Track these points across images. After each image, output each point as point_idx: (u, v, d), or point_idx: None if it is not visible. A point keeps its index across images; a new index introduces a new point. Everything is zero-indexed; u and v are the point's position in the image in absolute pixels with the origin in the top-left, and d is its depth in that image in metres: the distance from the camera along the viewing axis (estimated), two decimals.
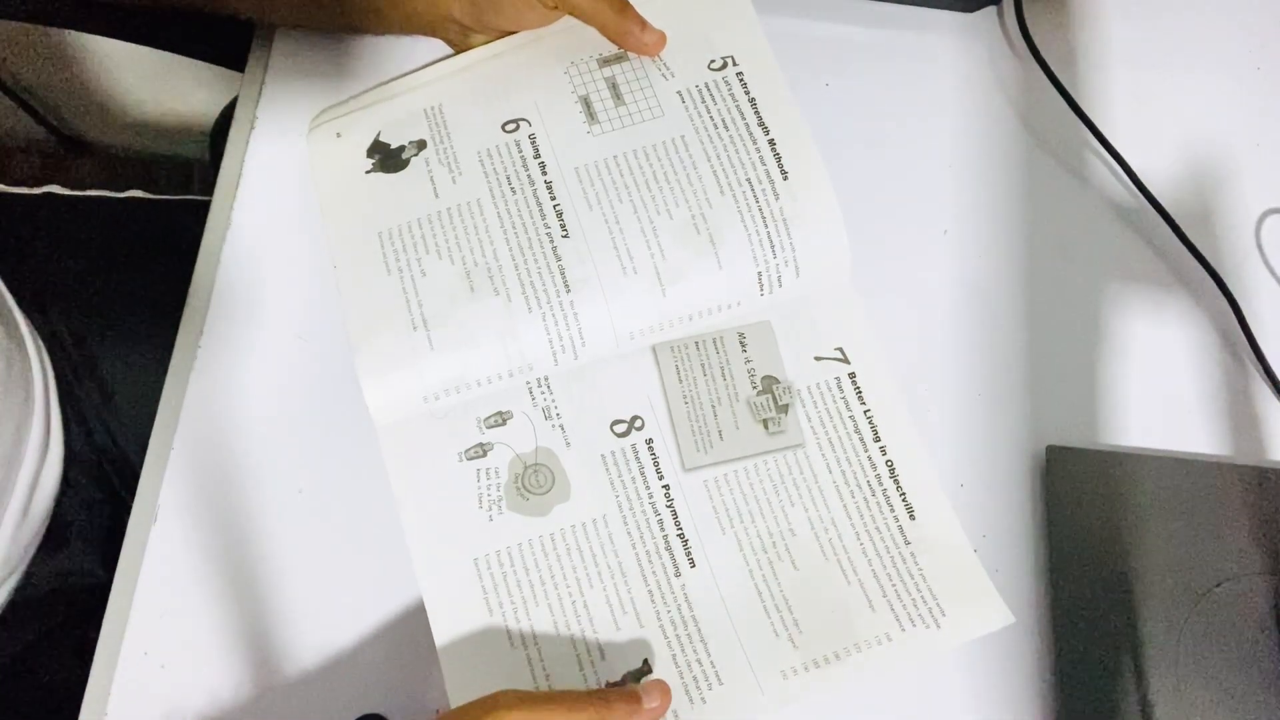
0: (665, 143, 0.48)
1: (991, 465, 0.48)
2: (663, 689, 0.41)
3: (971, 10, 0.56)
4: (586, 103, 0.50)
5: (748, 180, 0.47)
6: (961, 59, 0.56)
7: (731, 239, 0.46)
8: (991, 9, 0.57)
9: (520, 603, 0.43)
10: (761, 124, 0.48)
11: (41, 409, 0.52)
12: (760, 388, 0.47)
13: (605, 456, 0.46)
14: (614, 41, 0.50)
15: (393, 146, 0.50)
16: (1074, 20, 0.57)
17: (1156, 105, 0.55)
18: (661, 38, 0.50)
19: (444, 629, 0.43)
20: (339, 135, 0.50)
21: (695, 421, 0.47)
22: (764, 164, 0.47)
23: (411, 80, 0.52)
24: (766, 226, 0.46)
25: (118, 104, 1.09)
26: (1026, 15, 0.54)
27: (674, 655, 0.43)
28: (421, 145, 0.50)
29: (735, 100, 0.49)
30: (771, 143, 0.48)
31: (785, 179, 0.47)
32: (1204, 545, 0.45)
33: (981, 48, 0.56)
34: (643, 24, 0.49)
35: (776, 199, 0.47)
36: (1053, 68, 0.53)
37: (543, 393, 0.47)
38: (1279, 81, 0.56)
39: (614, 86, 0.50)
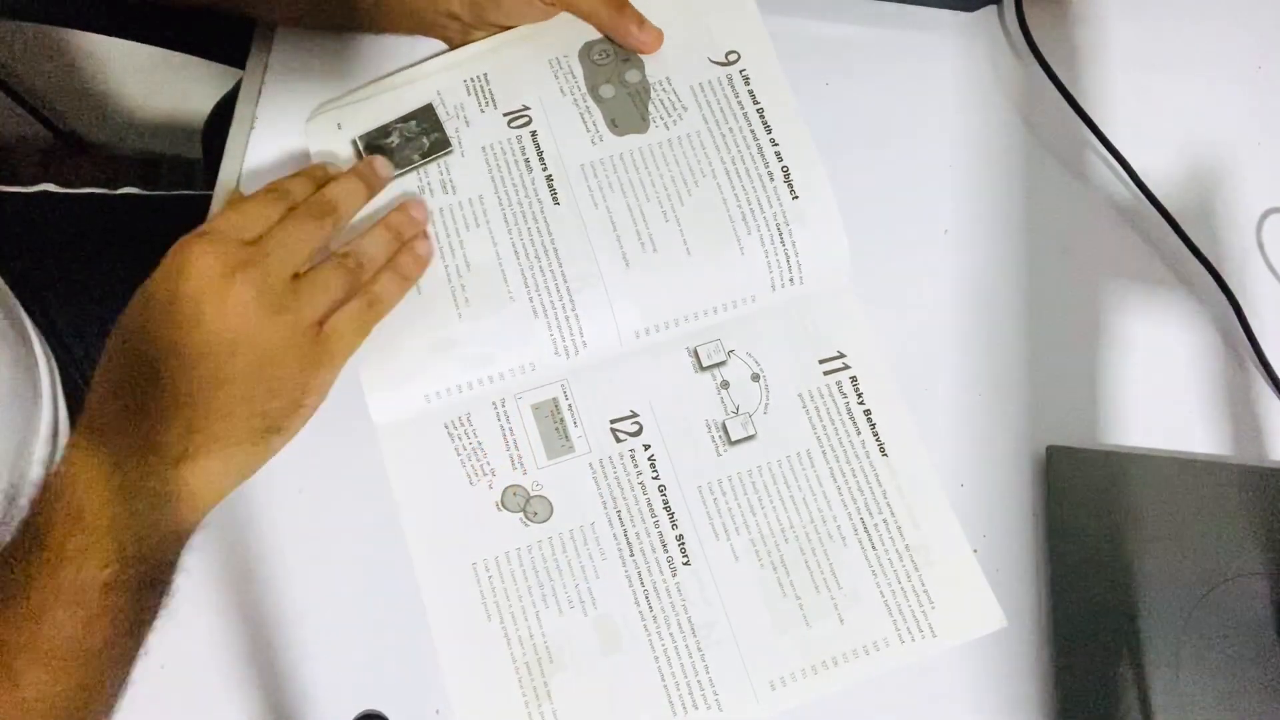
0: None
1: (991, 465, 0.48)
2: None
3: (971, 9, 0.56)
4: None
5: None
6: (961, 59, 0.56)
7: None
8: (991, 8, 0.57)
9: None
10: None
11: (49, 403, 0.52)
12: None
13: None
14: (611, 38, 0.50)
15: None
16: (1074, 20, 0.57)
17: (1157, 104, 0.55)
18: (659, 35, 0.50)
19: (445, 629, 0.43)
20: (339, 126, 0.50)
21: None
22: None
23: (412, 73, 0.52)
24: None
25: (117, 102, 1.09)
26: (1026, 15, 0.54)
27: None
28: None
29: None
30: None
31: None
32: (1204, 545, 0.45)
33: (981, 47, 0.56)
34: (640, 21, 0.49)
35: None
36: (1053, 67, 0.53)
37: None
38: (1279, 81, 0.56)
39: None
